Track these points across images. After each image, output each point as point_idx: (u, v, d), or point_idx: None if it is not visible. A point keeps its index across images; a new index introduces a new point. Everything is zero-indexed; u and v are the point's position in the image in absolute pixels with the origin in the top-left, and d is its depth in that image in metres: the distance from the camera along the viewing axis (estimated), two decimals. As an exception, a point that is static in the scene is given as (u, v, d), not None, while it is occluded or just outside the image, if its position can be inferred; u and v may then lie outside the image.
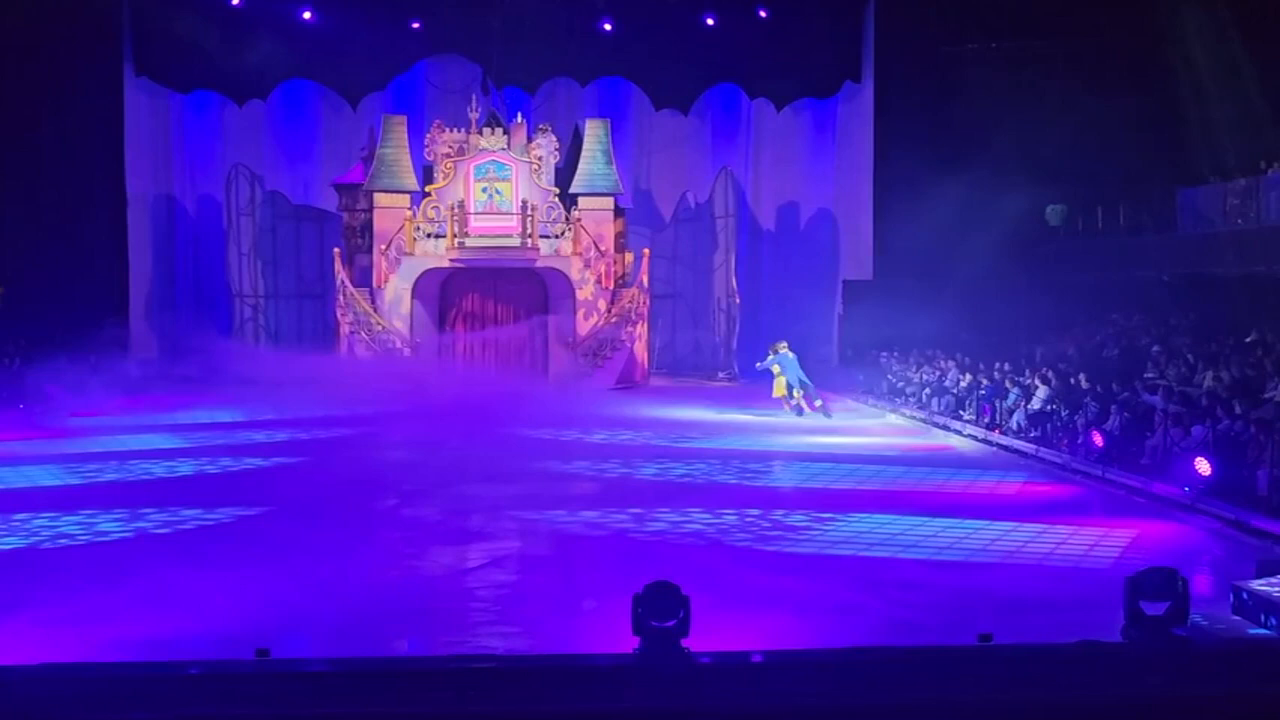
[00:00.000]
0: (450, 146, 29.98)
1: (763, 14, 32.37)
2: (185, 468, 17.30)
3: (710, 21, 32.51)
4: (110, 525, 12.98)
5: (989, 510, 14.00)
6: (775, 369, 23.94)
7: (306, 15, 32.17)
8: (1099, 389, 18.72)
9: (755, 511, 13.80)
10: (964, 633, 6.84)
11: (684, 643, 5.87)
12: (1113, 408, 17.61)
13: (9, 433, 20.75)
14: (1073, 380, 19.71)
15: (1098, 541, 12.46)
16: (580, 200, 30.03)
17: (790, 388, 23.70)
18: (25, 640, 8.78)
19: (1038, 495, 15.26)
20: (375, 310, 29.30)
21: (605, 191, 30.23)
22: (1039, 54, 28.74)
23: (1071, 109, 27.65)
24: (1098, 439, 16.71)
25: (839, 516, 13.60)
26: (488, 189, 29.67)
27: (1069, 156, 27.42)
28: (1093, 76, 27.44)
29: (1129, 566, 10.07)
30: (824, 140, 34.22)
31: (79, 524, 13.03)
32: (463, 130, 30.06)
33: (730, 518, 13.51)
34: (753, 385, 30.58)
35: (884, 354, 28.27)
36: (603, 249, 29.89)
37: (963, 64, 29.13)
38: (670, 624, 5.92)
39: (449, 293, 30.19)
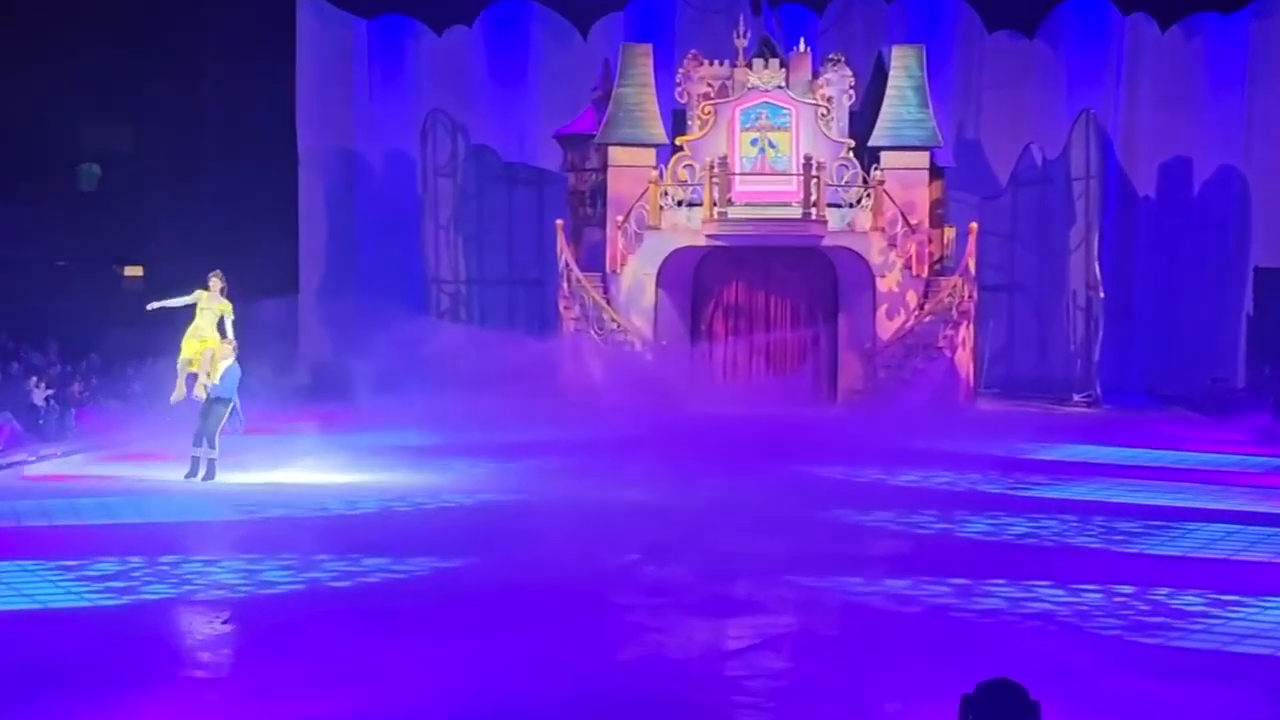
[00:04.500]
0: (710, 85, 30.28)
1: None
2: (368, 504, 18.00)
3: (1066, -91, 31.84)
4: (277, 574, 13.61)
5: None
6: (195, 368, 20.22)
7: (525, -84, 33.12)
8: None
9: (1127, 589, 13.38)
10: None
11: (1033, 765, 5.76)
12: None
13: (152, 454, 22.07)
14: None
15: None
16: (883, 156, 29.85)
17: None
18: None
19: None
20: (609, 302, 29.84)
21: (918, 144, 29.95)
22: None
23: None
24: None
25: (1249, 600, 13.04)
26: (758, 141, 29.81)
27: None
28: None
29: None
30: (1229, 72, 33.00)
31: (239, 572, 13.72)
32: (726, 63, 30.31)
33: (1092, 596, 13.14)
34: (1124, 412, 29.74)
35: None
36: (914, 222, 29.60)
37: None
38: (1014, 739, 5.82)
39: (705, 280, 30.48)
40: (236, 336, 20.07)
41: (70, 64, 32.29)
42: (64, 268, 34.10)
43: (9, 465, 21.03)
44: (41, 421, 23.43)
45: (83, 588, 12.99)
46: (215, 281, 20.30)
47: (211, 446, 19.45)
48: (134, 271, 36.32)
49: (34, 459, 21.56)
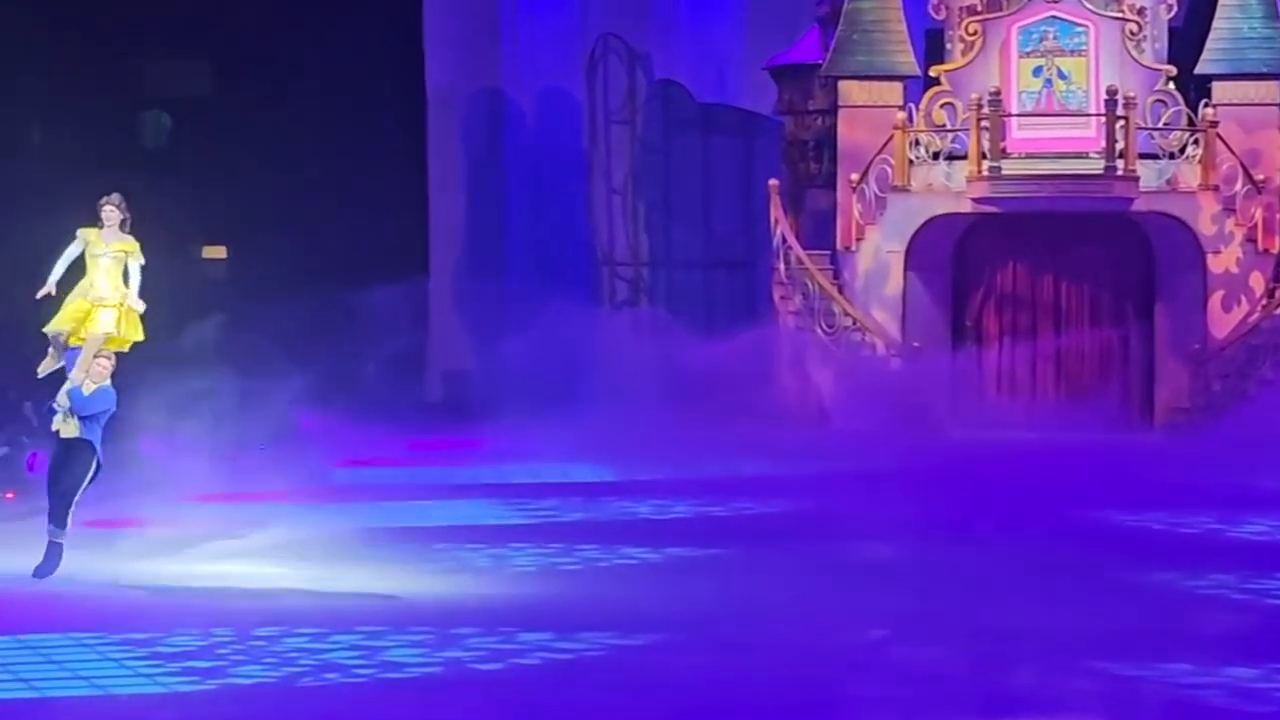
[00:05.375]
0: (977, -5, 30.05)
1: None
2: (521, 559, 18.20)
3: None
4: (404, 653, 13.67)
5: None
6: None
7: None
8: None
9: None
10: None
11: None
12: None
13: (238, 494, 22.48)
14: None
15: None
16: (1216, 88, 29.46)
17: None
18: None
19: None
20: (840, 289, 29.75)
21: (1265, 71, 29.46)
22: None
23: None
24: None
25: None
26: (1044, 70, 29.57)
27: None
28: None
29: None
30: None
31: (355, 648, 13.83)
32: (999, -35, 30.06)
33: None
34: None
35: None
36: (1260, 179, 29.18)
37: None
38: None
39: (972, 260, 30.36)
40: (145, 293, 16.92)
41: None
42: (124, 248, 34.67)
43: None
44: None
45: (155, 668, 13.17)
46: (110, 212, 16.97)
47: (60, 523, 16.36)
48: (215, 252, 36.89)
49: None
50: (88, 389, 16.20)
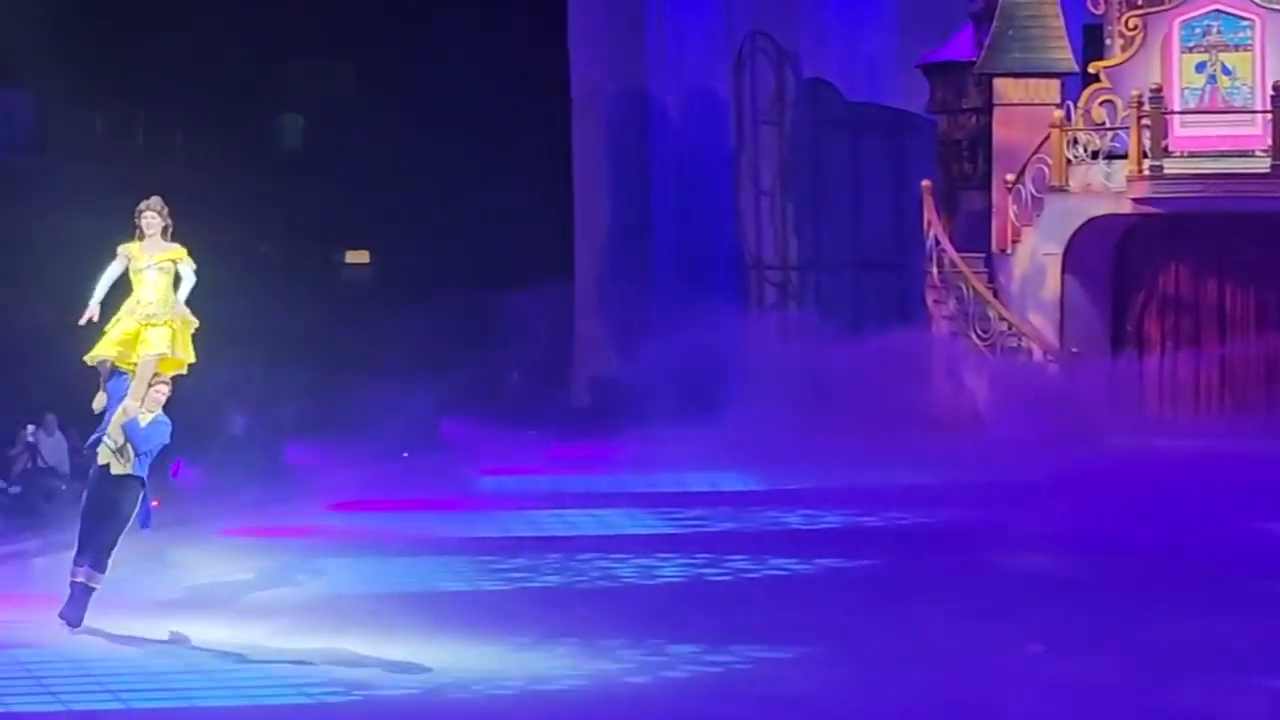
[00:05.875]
0: (1139, -9, 29.78)
1: None
2: (669, 570, 18.28)
3: None
4: (551, 665, 13.73)
5: None
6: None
7: None
8: None
9: None
10: None
11: None
12: None
13: (383, 502, 22.70)
14: None
15: None
16: (1396, 83, 28.96)
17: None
18: None
19: None
20: (995, 293, 29.61)
21: None
22: None
23: None
24: None
25: None
26: (1207, 66, 29.26)
27: None
28: None
29: None
30: None
31: (502, 660, 13.90)
32: (1161, -38, 29.77)
33: None
34: None
35: None
36: None
37: None
38: None
39: (1132, 263, 30.08)
40: (194, 304, 15.38)
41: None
42: (265, 253, 34.83)
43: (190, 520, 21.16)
44: (240, 458, 23.68)
45: (301, 678, 13.31)
46: (150, 219, 15.30)
47: (99, 567, 14.74)
48: (357, 257, 37.17)
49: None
50: (144, 419, 14.77)
